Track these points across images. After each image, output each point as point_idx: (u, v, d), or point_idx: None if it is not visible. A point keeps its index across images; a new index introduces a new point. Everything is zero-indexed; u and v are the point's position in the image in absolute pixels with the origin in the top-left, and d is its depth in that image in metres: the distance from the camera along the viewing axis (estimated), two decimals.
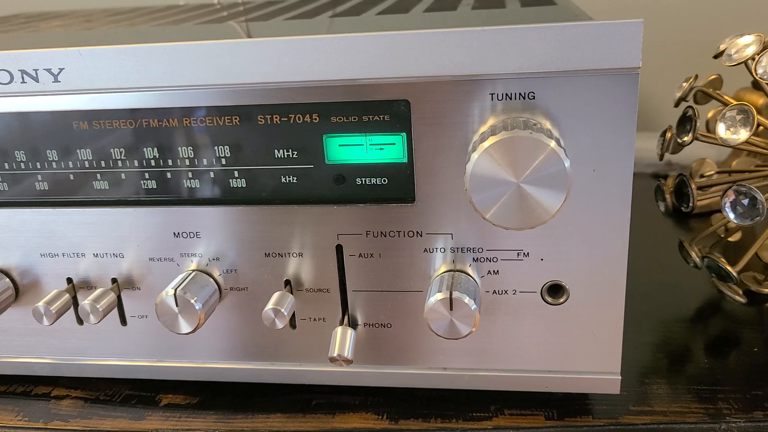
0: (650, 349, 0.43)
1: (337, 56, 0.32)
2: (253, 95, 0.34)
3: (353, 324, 0.38)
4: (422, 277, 0.36)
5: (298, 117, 0.34)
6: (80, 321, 0.40)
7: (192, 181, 0.36)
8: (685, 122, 0.43)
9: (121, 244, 0.38)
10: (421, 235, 0.35)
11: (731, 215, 0.39)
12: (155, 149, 0.36)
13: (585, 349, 0.36)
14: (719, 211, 0.52)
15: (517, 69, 0.31)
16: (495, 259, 0.35)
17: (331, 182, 0.35)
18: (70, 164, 0.37)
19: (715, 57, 0.45)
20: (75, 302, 0.39)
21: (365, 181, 0.35)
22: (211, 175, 0.36)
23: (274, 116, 0.35)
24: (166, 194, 0.37)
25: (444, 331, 0.33)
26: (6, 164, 0.37)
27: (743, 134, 0.38)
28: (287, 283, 0.37)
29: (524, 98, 0.32)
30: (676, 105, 0.46)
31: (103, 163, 0.37)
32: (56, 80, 0.35)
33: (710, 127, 0.49)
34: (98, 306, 0.36)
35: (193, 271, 0.37)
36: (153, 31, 0.45)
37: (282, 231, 0.36)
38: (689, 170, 0.52)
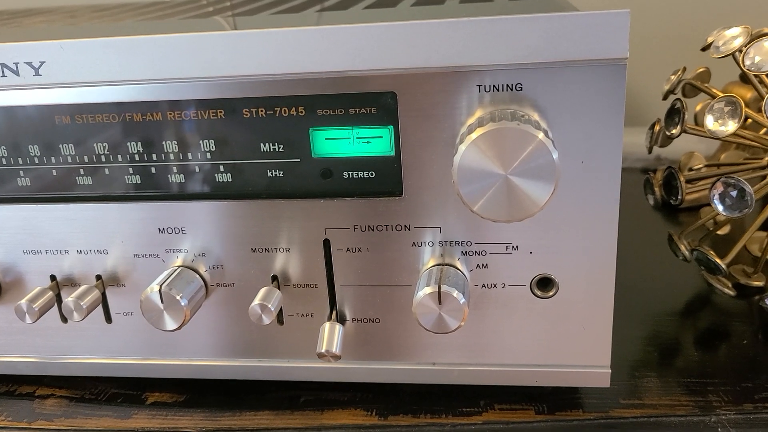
0: (639, 342, 0.42)
1: (323, 48, 0.32)
2: (238, 88, 0.34)
3: (341, 319, 0.37)
4: (411, 271, 0.36)
5: (284, 110, 0.34)
6: (64, 319, 0.40)
7: (177, 175, 0.36)
8: (674, 115, 0.43)
9: (106, 241, 0.37)
10: (409, 229, 0.35)
11: (720, 207, 0.39)
12: (139, 144, 0.36)
13: (575, 342, 0.36)
14: (708, 204, 0.53)
15: (504, 60, 0.31)
16: (484, 253, 0.35)
17: (318, 176, 0.35)
18: (53, 160, 0.36)
19: (703, 49, 0.45)
20: (59, 300, 0.39)
21: (352, 174, 0.35)
22: (197, 169, 0.36)
23: (260, 110, 0.34)
24: (151, 189, 0.36)
25: (433, 325, 0.33)
26: None
27: (731, 126, 0.38)
28: (274, 278, 0.37)
29: (512, 90, 0.32)
30: (665, 98, 0.46)
31: (86, 158, 0.36)
32: (37, 74, 0.34)
33: (698, 121, 0.49)
34: (82, 303, 0.36)
35: (179, 267, 0.37)
36: (137, 25, 0.44)
37: (269, 226, 0.36)
38: (678, 164, 0.51)
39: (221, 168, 0.36)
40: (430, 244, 0.35)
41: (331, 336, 0.36)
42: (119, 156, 0.36)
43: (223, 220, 0.36)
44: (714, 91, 0.44)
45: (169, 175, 0.36)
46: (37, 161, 0.37)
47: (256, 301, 0.35)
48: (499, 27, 0.31)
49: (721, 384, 0.38)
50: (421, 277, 0.34)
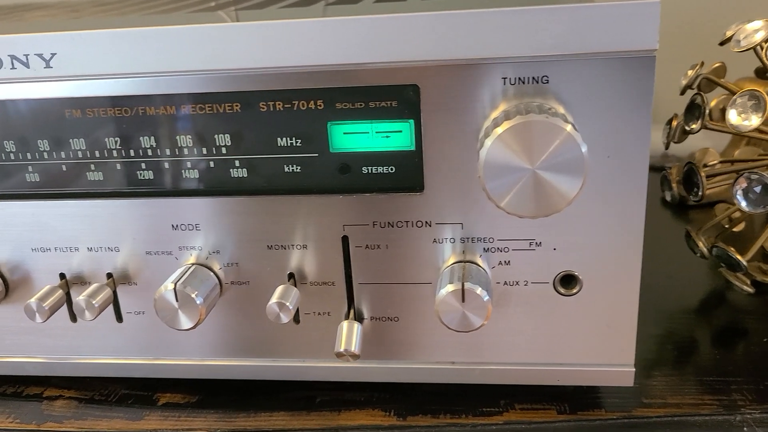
0: (658, 340, 0.42)
1: (343, 40, 0.31)
2: (254, 81, 0.33)
3: (359, 318, 0.36)
4: (431, 268, 0.35)
5: (302, 104, 0.33)
6: (74, 318, 0.39)
7: (191, 171, 0.35)
8: (694, 110, 0.42)
9: (117, 238, 0.36)
10: (429, 225, 0.34)
11: (743, 203, 0.38)
12: (152, 138, 0.35)
13: (598, 340, 0.35)
14: (722, 201, 0.52)
15: (530, 52, 0.30)
16: (506, 249, 0.34)
17: (336, 171, 0.34)
18: (63, 154, 0.36)
19: (721, 44, 0.44)
20: (68, 298, 0.38)
21: (371, 170, 0.34)
22: (211, 164, 0.35)
23: (277, 103, 0.33)
24: (164, 185, 0.35)
25: (456, 323, 0.32)
26: None
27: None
28: (291, 276, 0.36)
29: (537, 82, 0.31)
30: (682, 93, 0.45)
31: (97, 153, 0.35)
32: (48, 66, 0.33)
33: (714, 116, 0.49)
34: (94, 302, 0.35)
35: (193, 264, 0.36)
36: (144, 19, 0.43)
37: (285, 222, 0.35)
38: (692, 160, 0.51)
39: (236, 163, 0.35)
40: (451, 240, 0.34)
41: (349, 335, 0.35)
42: (131, 151, 0.35)
43: (238, 216, 0.35)
44: (733, 85, 0.43)
45: (183, 171, 0.35)
46: (46, 156, 0.36)
47: (274, 299, 0.34)
48: (524, 18, 0.30)
49: (744, 382, 0.37)
50: (442, 275, 0.34)
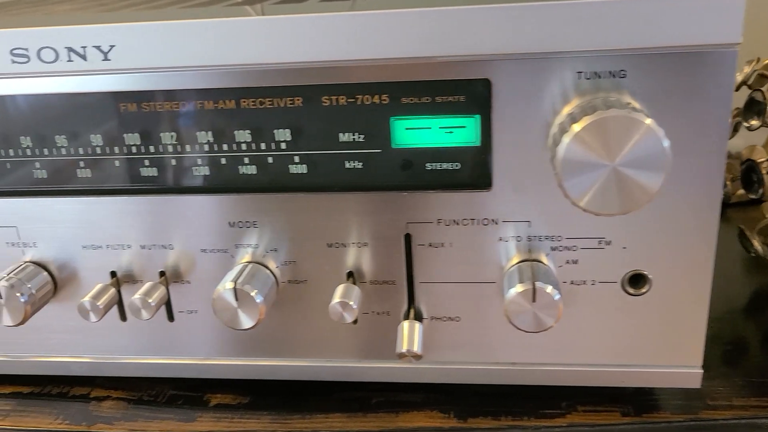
0: (718, 341, 0.41)
1: (411, 33, 0.30)
2: (317, 75, 0.32)
3: (418, 317, 0.36)
4: (494, 267, 0.34)
5: (366, 98, 0.32)
6: (123, 317, 0.38)
7: (249, 166, 0.34)
8: (753, 106, 0.41)
9: (171, 235, 0.36)
10: (496, 223, 0.33)
11: None
12: (210, 133, 0.34)
13: (665, 341, 0.35)
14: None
15: (607, 45, 0.30)
16: (574, 248, 0.33)
17: (398, 168, 0.33)
18: (116, 150, 0.35)
19: None
20: (119, 297, 0.37)
21: (435, 166, 0.33)
22: (270, 160, 0.34)
23: (340, 97, 0.33)
24: (221, 181, 0.34)
25: (526, 324, 0.32)
26: (45, 149, 0.35)
27: None
28: (350, 274, 0.35)
29: (614, 76, 0.30)
30: (737, 89, 0.44)
31: (151, 149, 0.34)
32: (106, 58, 0.32)
33: None
34: (150, 300, 0.34)
35: (249, 263, 0.35)
36: (182, 12, 0.42)
37: (346, 220, 0.34)
38: (739, 157, 0.50)
39: (296, 159, 0.34)
40: (518, 239, 0.33)
41: (411, 335, 0.34)
42: (187, 146, 0.34)
43: (296, 213, 0.34)
44: None
45: (241, 166, 0.34)
46: (99, 151, 0.35)
47: (337, 298, 0.33)
48: (602, 10, 0.29)
49: None
50: (508, 274, 0.33)
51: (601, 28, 0.29)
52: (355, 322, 0.36)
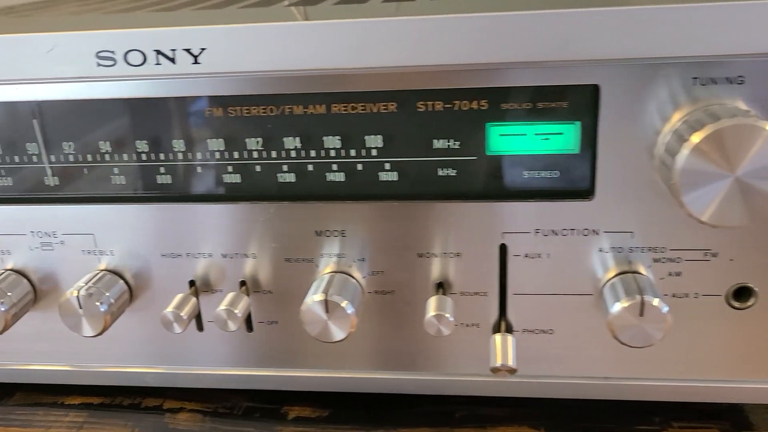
0: None
1: (517, 36, 0.29)
2: (414, 80, 0.31)
3: (509, 330, 0.34)
4: (591, 279, 0.33)
5: (464, 104, 0.31)
6: (200, 327, 0.37)
7: (337, 173, 0.33)
8: None
9: (254, 243, 0.34)
10: (597, 234, 0.32)
11: None
12: (298, 138, 0.33)
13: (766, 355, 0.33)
14: None
15: (724, 50, 0.28)
16: (678, 260, 0.32)
17: (494, 175, 0.32)
18: (198, 156, 0.34)
19: None
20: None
21: (534, 174, 0.32)
22: (359, 167, 0.33)
23: (436, 103, 0.31)
24: (308, 189, 0.33)
25: (634, 339, 0.30)
26: (126, 155, 0.34)
27: None
28: (439, 285, 0.34)
29: (731, 83, 0.29)
30: None
31: (236, 155, 0.33)
32: (196, 62, 0.31)
33: None
34: (236, 312, 0.33)
35: (334, 272, 0.34)
36: (246, 13, 0.41)
37: (438, 229, 0.33)
38: None
39: (386, 166, 0.33)
40: (619, 250, 0.32)
41: (504, 348, 0.33)
42: (273, 152, 0.33)
43: (386, 222, 0.33)
44: None
45: (329, 173, 0.33)
46: (180, 157, 0.34)
47: (432, 311, 0.32)
48: (718, 14, 0.28)
49: None
50: (609, 287, 0.32)
51: (719, 33, 0.28)
52: None
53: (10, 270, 0.36)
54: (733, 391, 0.34)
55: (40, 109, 0.34)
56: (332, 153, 0.33)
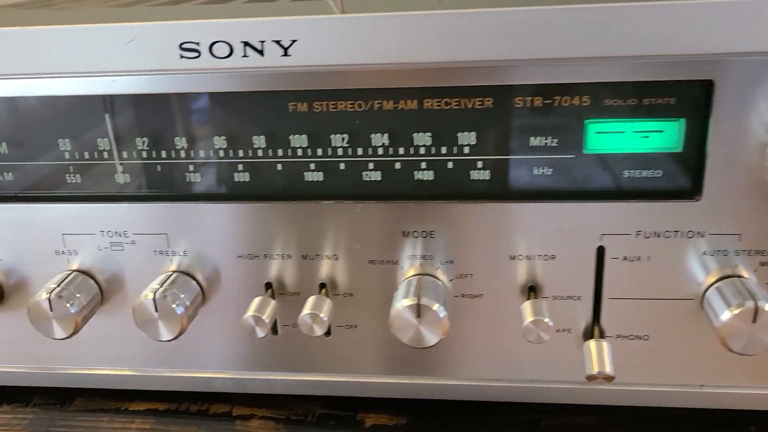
0: None
1: (626, 28, 0.28)
2: (511, 74, 0.29)
3: (602, 335, 0.33)
4: (692, 283, 0.31)
5: (564, 99, 0.30)
6: (275, 331, 0.35)
7: (425, 172, 0.32)
8: None
9: (337, 244, 0.33)
10: (702, 236, 0.31)
11: None
12: (384, 135, 0.31)
13: None
14: None
15: None
16: None
17: (593, 175, 0.31)
18: (279, 153, 0.32)
19: None
20: None
21: (635, 173, 0.31)
22: (450, 165, 0.31)
23: (536, 98, 0.30)
24: (394, 187, 0.32)
25: (745, 346, 0.29)
26: (202, 152, 0.33)
27: None
28: (530, 289, 0.33)
29: None
30: None
31: (319, 152, 0.32)
32: (286, 54, 0.30)
33: None
34: (322, 316, 0.32)
35: (419, 275, 0.33)
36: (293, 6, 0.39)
37: (532, 231, 0.32)
38: None
39: (479, 164, 0.31)
40: (724, 253, 0.31)
41: (600, 355, 0.32)
42: (359, 149, 0.32)
43: (477, 223, 0.32)
44: None
45: (416, 171, 0.32)
46: (261, 154, 0.32)
47: (530, 317, 0.31)
48: None
49: None
50: (714, 291, 0.30)
51: None
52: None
53: (77, 270, 0.35)
54: None
55: (112, 103, 0.33)
56: (422, 150, 0.31)
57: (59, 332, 0.33)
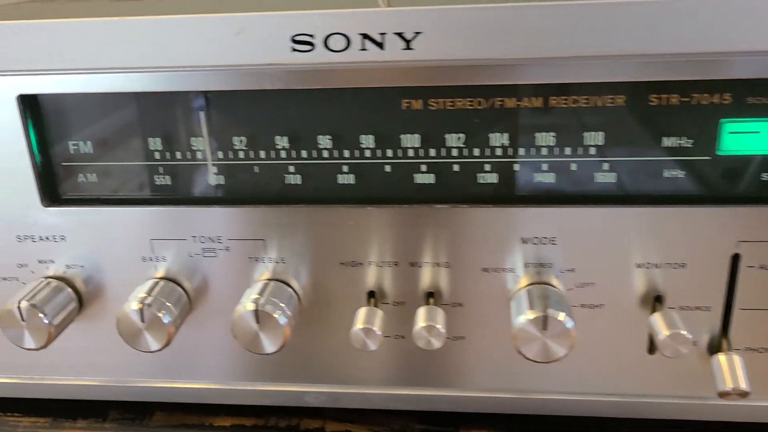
0: None
1: None
2: (649, 70, 0.27)
3: (730, 348, 0.31)
4: None
5: (704, 97, 0.28)
6: None
7: (546, 174, 0.30)
8: None
9: (449, 251, 0.31)
10: None
11: None
12: (503, 135, 0.29)
13: None
14: None
15: None
16: None
17: (728, 178, 0.29)
18: (388, 153, 0.30)
19: None
20: None
21: None
22: (574, 167, 0.30)
23: (671, 96, 0.28)
24: (512, 190, 0.30)
25: None
26: (304, 152, 0.31)
27: None
28: (656, 299, 0.31)
29: None
30: None
31: (431, 152, 0.30)
32: (408, 48, 0.28)
33: None
34: (439, 327, 0.30)
35: (538, 283, 0.31)
36: None
37: (661, 237, 0.30)
38: None
39: (604, 166, 0.30)
40: None
41: (732, 370, 0.30)
42: (475, 150, 0.30)
43: (602, 228, 0.30)
44: None
45: (537, 173, 0.30)
46: (368, 155, 0.30)
47: (666, 330, 0.28)
48: None
49: None
50: None
51: None
52: (651, 352, 0.32)
53: (163, 278, 0.33)
54: None
55: (207, 99, 0.31)
56: (544, 151, 0.29)
57: (153, 344, 0.31)
